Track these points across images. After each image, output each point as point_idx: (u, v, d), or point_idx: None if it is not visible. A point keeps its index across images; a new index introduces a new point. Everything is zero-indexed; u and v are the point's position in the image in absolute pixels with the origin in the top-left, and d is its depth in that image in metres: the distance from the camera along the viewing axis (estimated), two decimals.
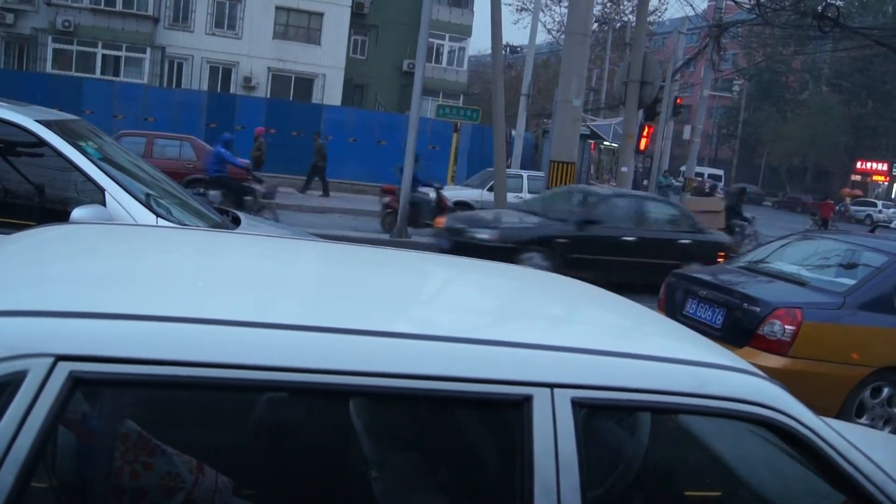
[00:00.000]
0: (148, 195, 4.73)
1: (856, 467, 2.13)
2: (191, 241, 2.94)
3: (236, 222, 5.53)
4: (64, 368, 1.58)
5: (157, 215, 4.57)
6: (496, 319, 2.34)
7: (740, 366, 2.21)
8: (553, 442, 1.83)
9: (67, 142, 4.61)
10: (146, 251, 2.57)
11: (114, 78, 34.70)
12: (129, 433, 2.03)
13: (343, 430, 2.26)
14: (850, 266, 7.45)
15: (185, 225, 4.67)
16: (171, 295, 1.99)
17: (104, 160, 4.78)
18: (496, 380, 1.84)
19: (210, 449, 2.27)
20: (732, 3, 23.19)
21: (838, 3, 49.75)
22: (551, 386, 1.87)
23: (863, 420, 6.68)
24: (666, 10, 73.18)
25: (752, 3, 19.88)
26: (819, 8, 19.36)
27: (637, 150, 24.46)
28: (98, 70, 36.21)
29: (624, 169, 16.27)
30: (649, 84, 15.77)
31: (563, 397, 1.87)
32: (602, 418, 2.27)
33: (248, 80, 38.40)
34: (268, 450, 2.38)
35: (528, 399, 1.84)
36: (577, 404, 1.88)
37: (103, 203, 4.43)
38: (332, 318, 1.95)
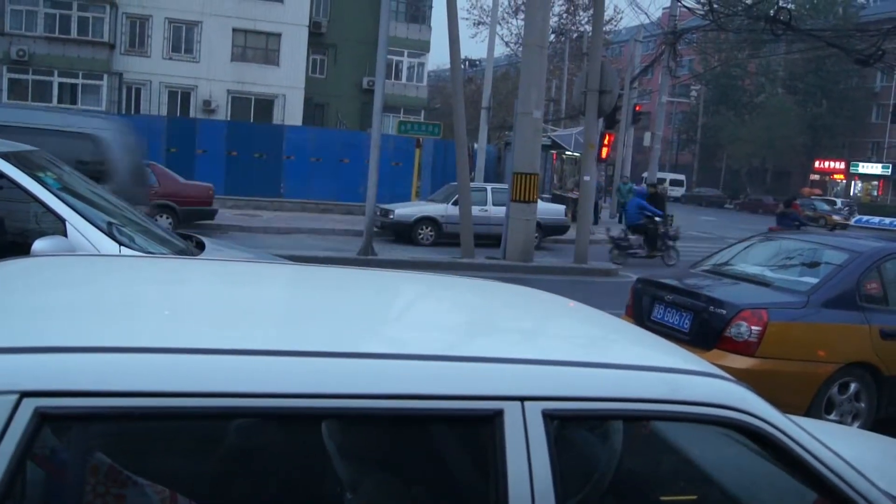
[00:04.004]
0: (110, 224, 4.68)
1: (825, 465, 2.15)
2: (155, 270, 2.91)
3: (200, 247, 5.49)
4: (29, 405, 1.55)
5: (120, 244, 4.52)
6: (465, 335, 2.35)
7: (708, 370, 2.23)
8: (526, 455, 1.84)
9: (26, 173, 4.56)
10: (109, 282, 2.54)
11: (71, 106, 34.39)
12: (100, 466, 2.00)
13: (316, 454, 2.25)
14: (812, 265, 7.56)
15: (149, 253, 4.63)
16: (136, 325, 1.98)
17: (64, 190, 4.74)
18: (466, 395, 1.85)
19: (184, 478, 2.24)
20: (686, 10, 23.53)
21: (790, 6, 50.64)
22: (522, 399, 1.87)
23: (832, 416, 6.76)
24: (622, 18, 74.11)
25: (706, 9, 20.13)
26: (771, 12, 19.63)
27: (599, 159, 24.69)
28: (55, 98, 35.92)
29: (587, 178, 16.36)
30: (608, 93, 15.88)
31: (534, 410, 1.87)
32: (575, 428, 2.27)
33: (207, 103, 38.22)
34: (242, 476, 2.36)
35: (498, 413, 1.85)
36: (548, 416, 1.89)
37: (65, 234, 4.38)
38: (299, 341, 1.94)
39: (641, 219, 18.53)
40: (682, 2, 22.26)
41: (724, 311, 6.80)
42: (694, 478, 2.63)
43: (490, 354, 2.01)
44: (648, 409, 2.05)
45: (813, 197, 50.74)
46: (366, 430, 2.12)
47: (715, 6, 19.83)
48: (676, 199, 61.72)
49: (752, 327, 6.58)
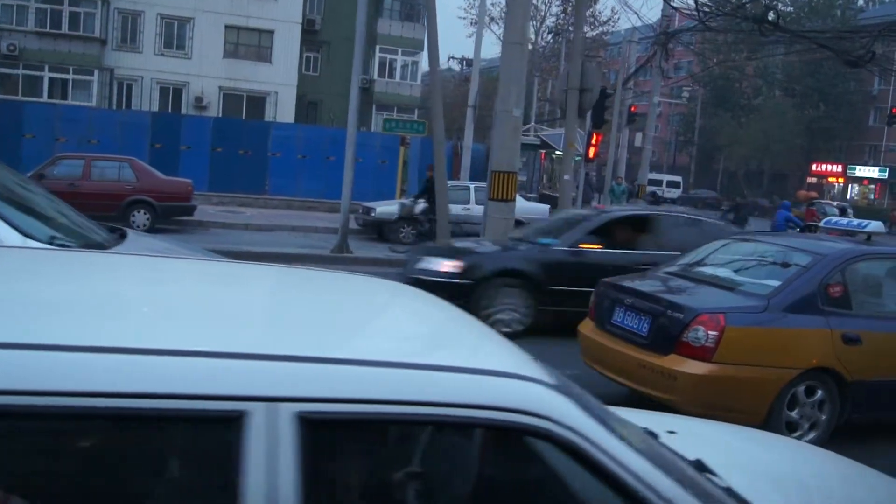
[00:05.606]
0: (17, 215, 4.51)
1: (637, 477, 1.98)
2: (46, 263, 2.76)
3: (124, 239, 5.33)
4: None
5: (27, 236, 4.35)
6: (227, 328, 2.14)
7: (512, 371, 2.04)
8: (271, 463, 1.68)
9: None
10: None
11: (62, 101, 34.34)
12: None
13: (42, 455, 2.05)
14: (776, 267, 7.38)
15: (56, 245, 4.46)
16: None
17: None
18: (201, 395, 1.69)
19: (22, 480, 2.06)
20: (676, 10, 23.38)
21: (788, 8, 50.15)
22: (271, 400, 1.71)
23: (793, 413, 6.63)
24: (619, 19, 73.92)
25: (693, 9, 19.97)
26: (769, 14, 19.44)
27: (587, 159, 24.52)
28: (45, 93, 35.84)
29: (566, 177, 16.20)
30: (589, 91, 15.70)
31: (287, 412, 1.71)
32: (347, 434, 2.05)
33: (199, 99, 38.13)
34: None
35: (241, 415, 1.68)
36: (304, 420, 1.72)
37: None
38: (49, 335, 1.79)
39: (786, 229, 19.10)
40: (671, 2, 22.05)
41: (682, 315, 6.63)
42: (505, 489, 2.40)
43: (236, 350, 1.83)
44: (431, 413, 1.87)
45: (823, 202, 50.43)
46: (96, 433, 1.90)
47: (704, 7, 19.62)
48: (673, 201, 61.74)
49: (709, 332, 6.40)
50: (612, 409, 3.03)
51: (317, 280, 3.03)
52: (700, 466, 2.63)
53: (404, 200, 20.09)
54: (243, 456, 1.67)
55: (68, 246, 4.55)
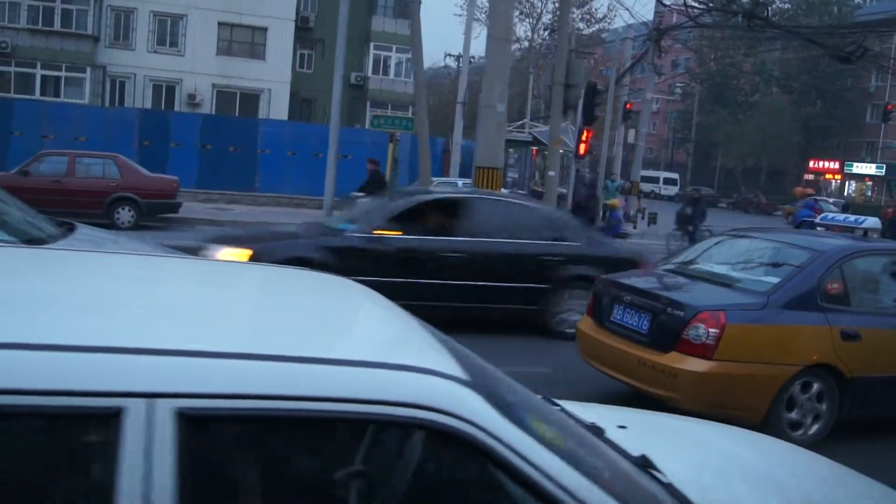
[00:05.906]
0: None
1: (552, 479, 1.88)
2: None
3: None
4: None
5: None
6: (110, 324, 2.02)
7: (414, 364, 1.95)
8: (147, 463, 1.61)
9: None
10: None
11: (54, 98, 34.25)
12: None
13: None
14: (775, 265, 7.33)
15: None
16: None
17: None
18: (76, 391, 1.61)
19: None
20: (674, 9, 23.28)
21: (786, 5, 49.74)
22: (150, 396, 1.64)
23: (793, 411, 6.58)
24: (615, 17, 73.91)
25: (682, 5, 19.86)
26: (763, 10, 19.35)
27: (577, 155, 24.43)
28: (38, 91, 35.74)
29: (551, 173, 16.11)
30: (574, 87, 15.63)
31: (165, 408, 1.64)
32: (235, 431, 1.96)
33: (192, 97, 38.00)
34: None
35: (117, 413, 1.61)
36: (185, 417, 1.65)
37: None
38: None
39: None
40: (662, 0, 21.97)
41: (682, 313, 6.58)
42: (409, 487, 2.30)
43: (113, 344, 1.74)
44: (323, 410, 1.78)
45: (817, 198, 50.39)
46: None
47: (691, 3, 19.53)
48: (670, 199, 61.73)
49: (710, 329, 6.36)
50: (565, 403, 2.97)
51: (243, 274, 2.94)
52: (644, 462, 2.57)
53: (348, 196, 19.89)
54: (120, 454, 1.61)
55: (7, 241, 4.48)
